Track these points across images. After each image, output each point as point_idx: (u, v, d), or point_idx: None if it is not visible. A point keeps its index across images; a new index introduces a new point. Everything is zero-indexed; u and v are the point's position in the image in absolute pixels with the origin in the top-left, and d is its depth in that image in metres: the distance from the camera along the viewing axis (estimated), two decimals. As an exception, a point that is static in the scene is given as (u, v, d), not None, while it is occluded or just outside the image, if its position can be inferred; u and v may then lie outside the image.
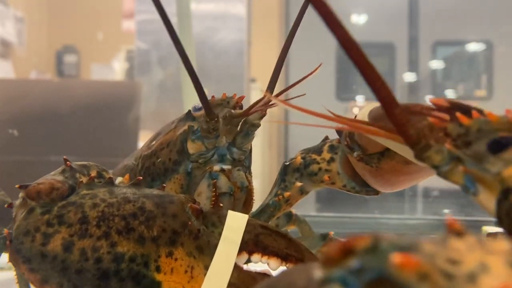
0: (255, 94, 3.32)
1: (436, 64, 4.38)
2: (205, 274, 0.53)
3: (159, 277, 0.52)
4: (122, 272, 0.51)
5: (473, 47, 4.27)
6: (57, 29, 4.73)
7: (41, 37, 4.70)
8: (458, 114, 0.42)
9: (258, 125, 0.72)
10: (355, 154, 0.67)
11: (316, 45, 3.94)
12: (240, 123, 0.71)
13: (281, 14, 4.41)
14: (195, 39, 1.66)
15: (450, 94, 4.34)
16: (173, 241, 0.53)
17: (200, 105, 0.71)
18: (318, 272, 0.22)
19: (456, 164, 0.40)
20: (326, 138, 0.80)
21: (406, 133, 0.39)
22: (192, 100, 1.65)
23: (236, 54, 3.16)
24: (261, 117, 0.73)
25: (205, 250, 0.54)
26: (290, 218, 0.88)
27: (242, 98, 0.74)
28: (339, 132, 0.73)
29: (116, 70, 4.14)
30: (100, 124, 1.99)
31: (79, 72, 4.78)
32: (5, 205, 0.59)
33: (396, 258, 0.20)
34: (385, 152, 0.65)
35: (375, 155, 0.63)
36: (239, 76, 3.15)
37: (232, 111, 0.71)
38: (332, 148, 0.77)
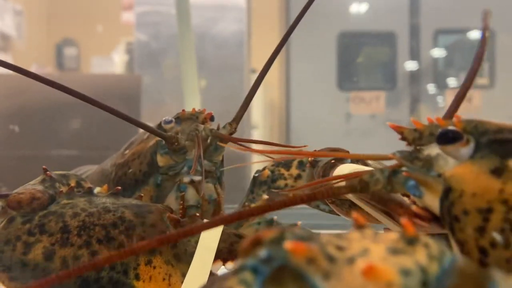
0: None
1: (438, 53, 4.35)
2: (182, 282, 0.54)
3: (138, 284, 0.53)
4: (102, 280, 0.52)
5: (475, 35, 4.23)
6: (56, 22, 4.71)
7: (40, 30, 4.68)
8: (412, 119, 0.45)
9: (228, 140, 0.73)
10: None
11: (317, 34, 3.92)
12: (210, 138, 0.71)
13: (281, 4, 4.37)
14: (195, 30, 1.65)
15: (452, 82, 4.32)
16: (151, 250, 0.55)
17: (171, 118, 0.72)
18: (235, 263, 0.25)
19: (394, 177, 0.42)
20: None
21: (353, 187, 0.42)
22: (192, 92, 1.64)
23: (236, 45, 3.15)
24: (231, 133, 0.74)
25: (182, 258, 0.55)
26: (272, 224, 0.89)
27: (210, 114, 0.75)
28: (313, 162, 0.73)
29: (116, 62, 4.13)
30: (100, 117, 1.98)
31: (79, 65, 4.77)
32: None
33: (287, 244, 0.24)
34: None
35: (346, 201, 0.63)
36: (239, 67, 3.14)
37: (205, 127, 0.72)
38: (300, 165, 0.78)
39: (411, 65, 4.27)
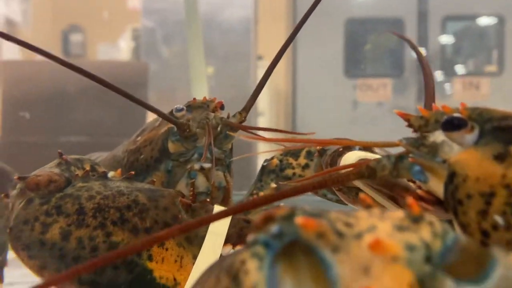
0: (262, 72, 3.29)
1: (446, 39, 4.30)
2: (193, 264, 0.56)
3: (151, 265, 0.55)
4: (116, 260, 0.54)
5: (484, 21, 4.18)
6: (62, 8, 4.70)
7: (46, 16, 4.68)
8: (419, 107, 0.47)
9: (238, 129, 0.74)
10: None
11: (325, 21, 3.89)
12: (220, 126, 0.73)
13: (288, -10, 4.33)
14: (202, 17, 1.65)
15: (459, 69, 4.28)
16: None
17: (182, 106, 0.73)
18: (248, 237, 0.27)
19: (401, 163, 0.44)
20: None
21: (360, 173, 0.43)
22: (199, 79, 1.65)
23: (243, 32, 3.13)
24: (241, 122, 0.75)
25: (193, 241, 0.57)
26: None
27: (220, 103, 0.77)
28: (321, 151, 0.74)
29: (123, 49, 4.13)
30: (108, 104, 2.00)
31: (86, 52, 4.77)
32: (2, 195, 0.63)
33: (299, 220, 0.25)
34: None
35: (354, 189, 0.64)
36: (246, 54, 3.13)
37: (217, 116, 0.73)
38: (308, 154, 0.79)
39: (418, 52, 4.22)
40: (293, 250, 0.26)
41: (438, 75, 4.25)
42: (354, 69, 4.29)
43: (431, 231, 0.24)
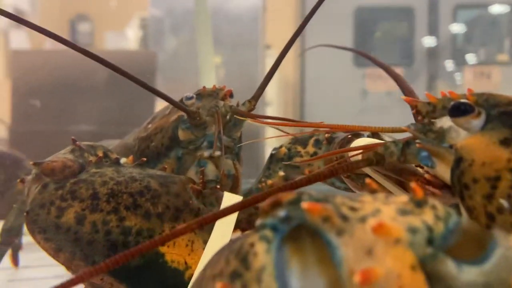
0: (269, 61, 3.29)
1: (457, 28, 4.24)
2: (203, 248, 0.57)
3: (163, 249, 0.56)
4: (129, 244, 0.55)
5: (496, 9, 4.11)
6: (70, -3, 4.71)
7: (54, 5, 4.69)
8: (426, 93, 0.47)
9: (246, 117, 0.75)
10: None
11: (334, 10, 3.85)
12: (229, 114, 0.74)
13: (296, -22, 4.29)
14: (210, 5, 1.64)
15: (470, 58, 4.22)
16: (176, 217, 0.58)
17: (192, 94, 0.74)
18: (257, 222, 0.28)
19: (408, 149, 0.44)
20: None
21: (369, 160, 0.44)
22: (208, 68, 1.65)
23: (251, 21, 3.12)
24: (250, 110, 0.76)
25: (204, 226, 0.58)
26: None
27: (230, 91, 0.77)
28: (329, 139, 0.74)
29: (130, 38, 4.13)
30: (117, 93, 2.01)
31: (93, 41, 4.78)
32: (18, 180, 0.65)
33: (305, 205, 0.26)
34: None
35: (362, 175, 0.64)
36: (253, 43, 3.12)
37: (226, 104, 0.74)
38: (317, 143, 0.80)
39: (429, 41, 4.18)
40: (300, 233, 0.26)
41: (449, 65, 4.21)
42: (363, 58, 4.25)
43: (433, 214, 0.25)
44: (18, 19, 0.60)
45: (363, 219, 0.25)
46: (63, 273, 0.59)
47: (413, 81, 4.27)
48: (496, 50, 4.22)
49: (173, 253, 0.56)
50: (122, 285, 0.55)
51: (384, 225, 0.23)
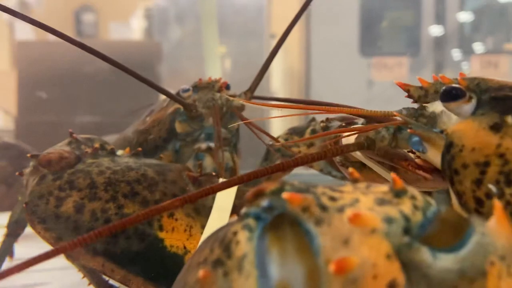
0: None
1: (465, 17, 4.18)
2: (201, 233, 0.58)
3: (162, 234, 0.57)
4: (128, 230, 0.56)
5: (506, -3, 4.04)
6: (75, -13, 4.70)
7: (59, -4, 4.69)
8: (418, 78, 0.46)
9: (243, 109, 0.75)
10: (337, 159, 0.70)
11: (338, -1, 3.81)
12: (225, 106, 0.74)
13: (302, -34, 4.23)
14: (214, -5, 1.63)
15: (478, 47, 4.17)
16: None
17: (188, 86, 0.75)
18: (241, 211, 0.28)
19: (399, 133, 0.44)
20: (313, 119, 0.83)
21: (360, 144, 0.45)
22: (213, 58, 1.65)
23: (256, 10, 3.10)
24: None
25: (201, 211, 0.59)
26: None
27: (225, 83, 0.78)
28: (325, 128, 0.75)
29: (135, 28, 4.13)
30: (121, 84, 2.02)
31: (98, 32, 4.78)
32: (17, 173, 0.66)
33: (285, 195, 0.27)
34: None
35: (357, 163, 0.65)
36: (259, 32, 3.10)
37: (225, 96, 0.75)
38: (313, 133, 0.81)
39: (436, 30, 4.13)
40: (281, 222, 0.27)
41: (456, 54, 4.15)
42: (369, 47, 4.21)
43: (412, 204, 0.25)
44: (15, 13, 0.61)
45: (341, 209, 0.25)
46: (63, 265, 0.60)
47: (420, 70, 4.23)
48: (504, 39, 4.16)
49: (172, 238, 0.57)
50: (123, 270, 0.56)
51: (360, 215, 0.24)
